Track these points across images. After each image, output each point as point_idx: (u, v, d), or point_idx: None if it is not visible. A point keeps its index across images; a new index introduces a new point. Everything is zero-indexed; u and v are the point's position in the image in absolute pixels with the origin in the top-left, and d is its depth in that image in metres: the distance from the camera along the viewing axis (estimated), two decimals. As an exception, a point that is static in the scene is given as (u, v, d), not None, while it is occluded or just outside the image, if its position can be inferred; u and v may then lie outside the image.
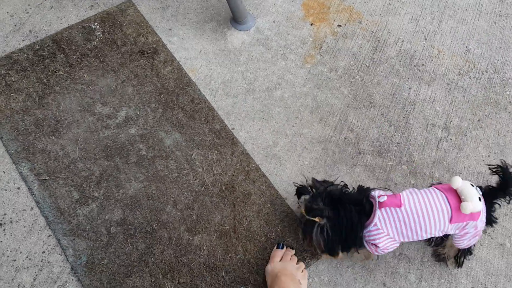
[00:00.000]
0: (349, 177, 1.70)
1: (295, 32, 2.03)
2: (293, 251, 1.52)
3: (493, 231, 1.60)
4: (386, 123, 1.82)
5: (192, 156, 1.68)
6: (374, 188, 1.32)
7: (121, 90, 1.79)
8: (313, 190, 1.35)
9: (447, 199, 1.25)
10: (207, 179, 1.64)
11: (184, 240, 1.53)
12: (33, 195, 1.57)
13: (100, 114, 1.74)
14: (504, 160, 1.33)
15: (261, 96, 1.86)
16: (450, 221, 1.23)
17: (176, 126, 1.73)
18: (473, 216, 1.23)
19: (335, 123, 1.81)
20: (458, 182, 1.25)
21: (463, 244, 1.33)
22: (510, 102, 1.88)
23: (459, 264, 1.47)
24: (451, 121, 1.82)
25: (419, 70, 1.94)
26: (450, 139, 1.79)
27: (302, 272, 1.45)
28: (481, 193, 1.27)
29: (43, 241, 1.52)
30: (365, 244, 1.32)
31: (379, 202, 1.25)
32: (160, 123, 1.73)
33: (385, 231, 1.25)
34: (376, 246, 1.29)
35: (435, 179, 1.71)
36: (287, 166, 1.71)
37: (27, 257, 1.49)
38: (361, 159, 1.74)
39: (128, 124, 1.72)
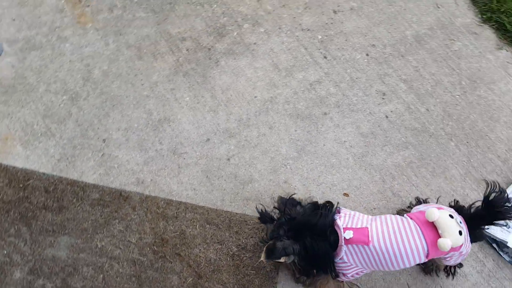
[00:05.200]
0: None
1: None
2: None
3: None
4: None
5: (98, 246, 1.45)
6: (338, 210, 1.26)
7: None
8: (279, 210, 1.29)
9: (423, 233, 1.18)
10: (133, 255, 1.46)
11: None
12: None
13: None
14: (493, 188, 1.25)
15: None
16: (427, 256, 1.19)
17: (56, 232, 1.46)
18: (455, 248, 1.18)
19: None
20: (435, 215, 1.16)
21: (450, 263, 1.32)
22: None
23: (451, 274, 1.46)
24: None
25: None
26: None
27: None
28: (462, 224, 1.20)
29: None
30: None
31: (345, 238, 1.19)
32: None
33: (353, 264, 1.22)
34: (344, 274, 1.27)
35: None
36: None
37: None
38: None
39: None
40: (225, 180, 1.62)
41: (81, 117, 1.70)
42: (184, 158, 1.65)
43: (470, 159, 1.73)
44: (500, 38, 2.02)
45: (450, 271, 1.43)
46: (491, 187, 1.21)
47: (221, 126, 1.72)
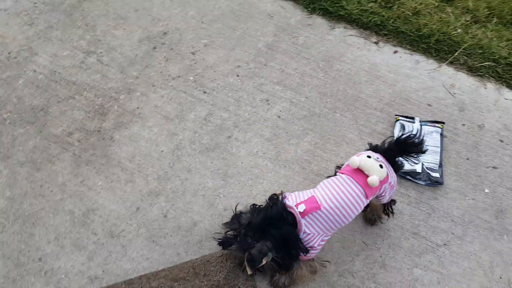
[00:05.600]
0: None
1: None
2: None
3: None
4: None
5: None
6: (284, 195, 1.38)
7: None
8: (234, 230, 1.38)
9: (355, 180, 1.38)
10: None
11: None
12: None
13: None
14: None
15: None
16: (366, 197, 1.38)
17: None
18: (383, 180, 1.40)
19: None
20: (356, 162, 1.37)
21: (385, 199, 1.53)
22: None
23: (390, 213, 1.67)
24: None
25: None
26: None
27: None
28: (380, 159, 1.42)
29: None
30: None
31: (300, 212, 1.33)
32: None
33: (315, 232, 1.36)
34: (311, 247, 1.40)
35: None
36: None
37: None
38: None
39: None
40: (171, 236, 1.66)
41: (6, 249, 1.60)
42: (124, 236, 1.64)
43: (357, 120, 2.01)
44: (329, 20, 2.41)
45: (389, 210, 1.64)
46: (404, 132, 1.47)
47: (144, 191, 1.76)
